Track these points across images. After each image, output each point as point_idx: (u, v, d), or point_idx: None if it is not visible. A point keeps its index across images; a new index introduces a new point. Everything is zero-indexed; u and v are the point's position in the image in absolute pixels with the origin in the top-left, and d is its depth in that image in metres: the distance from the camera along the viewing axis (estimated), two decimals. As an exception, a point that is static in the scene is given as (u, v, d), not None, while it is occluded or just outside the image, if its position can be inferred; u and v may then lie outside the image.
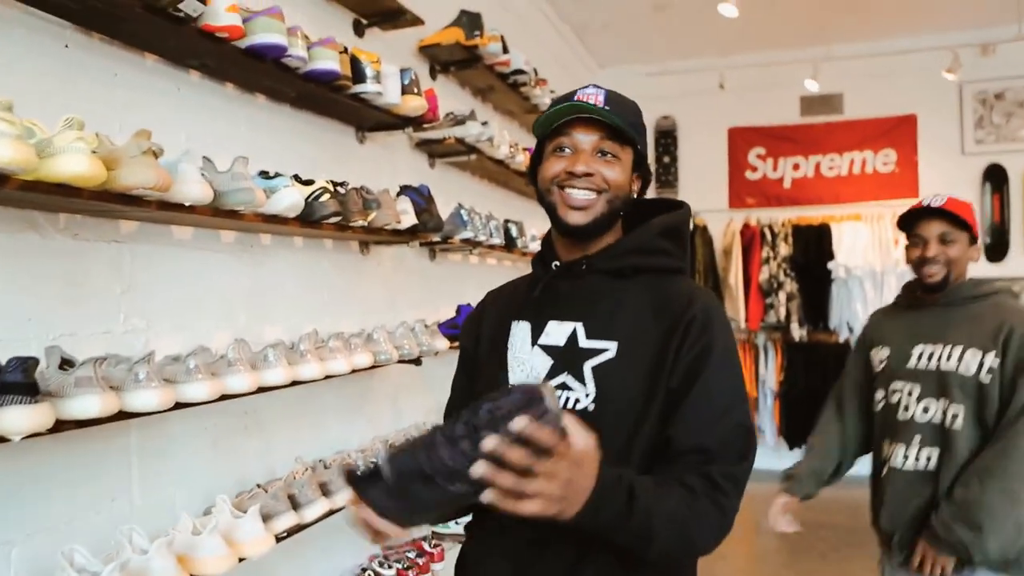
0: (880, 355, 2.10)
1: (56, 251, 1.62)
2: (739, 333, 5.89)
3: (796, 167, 6.15)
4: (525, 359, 1.21)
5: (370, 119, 2.62)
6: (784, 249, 5.78)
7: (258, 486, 1.99)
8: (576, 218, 1.19)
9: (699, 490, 1.05)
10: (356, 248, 2.74)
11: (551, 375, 1.17)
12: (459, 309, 3.23)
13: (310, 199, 2.02)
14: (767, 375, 5.86)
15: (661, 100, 6.23)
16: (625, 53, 6.03)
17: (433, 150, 3.27)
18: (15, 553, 1.52)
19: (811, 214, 5.94)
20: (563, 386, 1.15)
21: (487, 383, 1.24)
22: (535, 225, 4.21)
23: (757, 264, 5.82)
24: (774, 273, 5.79)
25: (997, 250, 5.63)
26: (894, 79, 5.80)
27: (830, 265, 5.64)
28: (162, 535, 1.63)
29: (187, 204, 1.62)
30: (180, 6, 1.60)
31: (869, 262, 5.59)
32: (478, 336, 1.33)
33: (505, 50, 3.45)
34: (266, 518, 1.85)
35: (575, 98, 1.19)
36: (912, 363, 1.99)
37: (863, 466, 2.22)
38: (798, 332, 5.76)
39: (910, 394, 1.98)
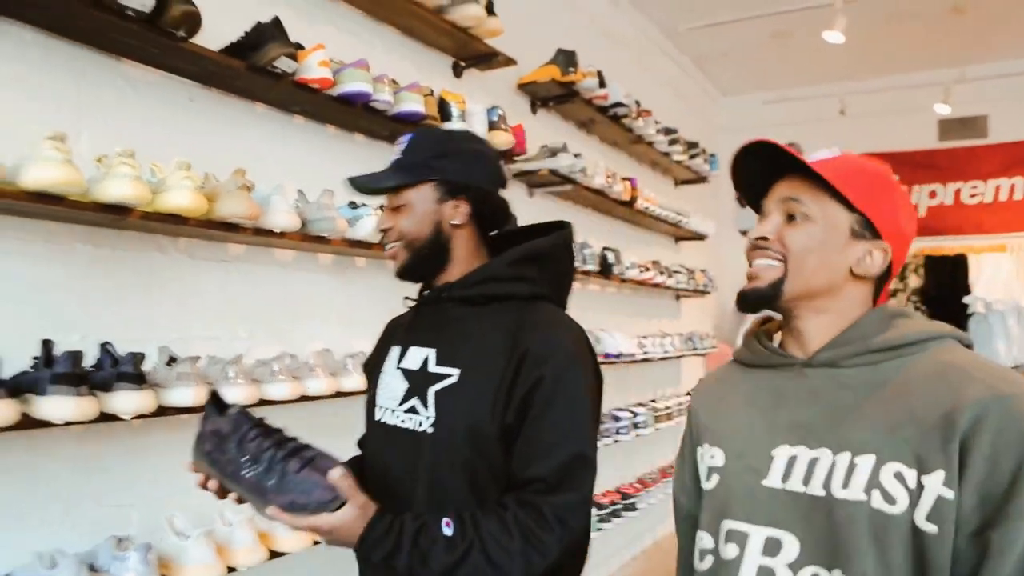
0: (710, 461, 1.08)
1: (175, 268, 1.96)
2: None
3: (932, 195, 5.82)
4: (389, 381, 1.28)
5: (462, 153, 2.86)
6: (914, 281, 5.49)
7: (339, 480, 2.24)
8: (394, 269, 1.28)
9: (515, 528, 1.09)
10: (449, 271, 2.98)
11: (405, 399, 1.23)
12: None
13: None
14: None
15: (783, 127, 6.11)
16: (745, 81, 6.00)
17: (531, 180, 3.47)
18: (134, 515, 1.84)
19: (948, 244, 5.59)
20: (412, 410, 1.21)
21: (368, 402, 1.35)
22: (635, 252, 4.31)
23: (884, 297, 5.54)
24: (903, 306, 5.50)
25: None
26: (1046, 99, 5.40)
27: (967, 299, 5.28)
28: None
29: (277, 231, 1.91)
30: (275, 64, 1.90)
31: (1013, 296, 5.18)
32: (375, 359, 1.40)
33: (602, 84, 3.61)
34: (341, 508, 2.09)
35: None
36: (773, 481, 0.97)
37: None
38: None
39: (772, 552, 0.95)
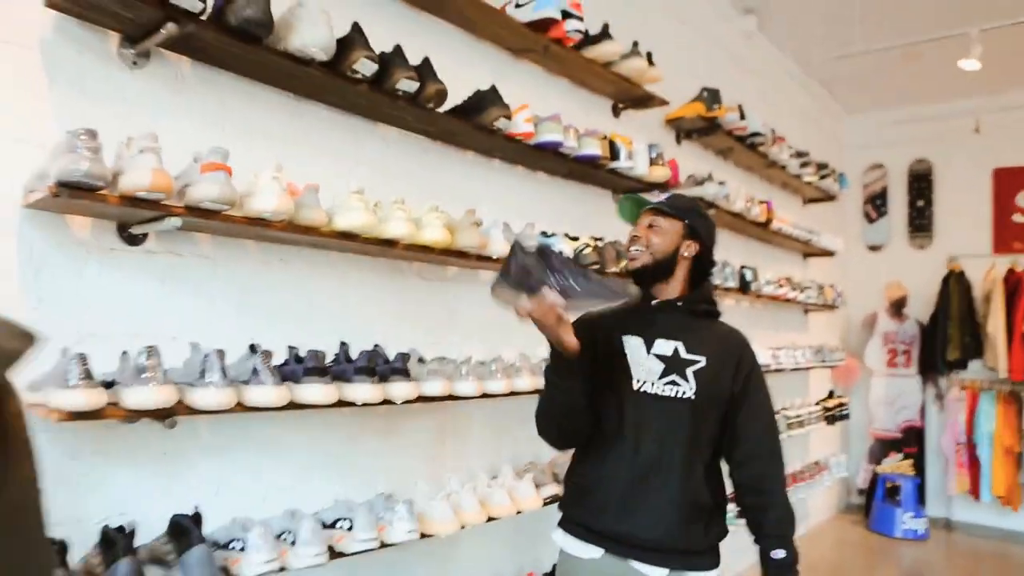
0: None
1: (411, 288, 2.46)
2: (1000, 385, 5.63)
3: (1076, 211, 5.76)
4: (643, 362, 1.72)
5: (623, 185, 3.26)
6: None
7: (530, 463, 2.68)
8: (630, 265, 1.78)
9: (780, 505, 1.74)
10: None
11: (663, 375, 1.70)
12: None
13: (577, 252, 2.70)
14: (1036, 430, 5.50)
15: (914, 144, 6.21)
16: (873, 101, 6.12)
17: (676, 205, 3.83)
18: (383, 479, 2.34)
19: (1092, 261, 5.53)
20: (672, 382, 1.69)
21: (613, 379, 1.73)
22: (770, 269, 4.58)
23: (1023, 312, 5.54)
24: (1044, 322, 5.47)
25: None
26: None
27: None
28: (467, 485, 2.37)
29: (494, 257, 2.37)
30: (496, 124, 2.37)
31: None
32: (593, 337, 1.73)
33: (742, 116, 3.94)
34: (537, 486, 2.53)
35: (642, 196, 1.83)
36: None
37: None
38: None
39: None
